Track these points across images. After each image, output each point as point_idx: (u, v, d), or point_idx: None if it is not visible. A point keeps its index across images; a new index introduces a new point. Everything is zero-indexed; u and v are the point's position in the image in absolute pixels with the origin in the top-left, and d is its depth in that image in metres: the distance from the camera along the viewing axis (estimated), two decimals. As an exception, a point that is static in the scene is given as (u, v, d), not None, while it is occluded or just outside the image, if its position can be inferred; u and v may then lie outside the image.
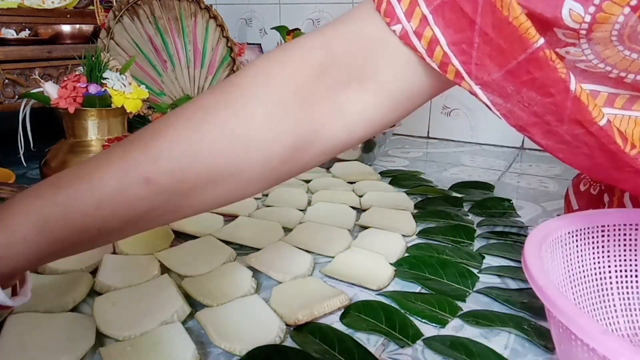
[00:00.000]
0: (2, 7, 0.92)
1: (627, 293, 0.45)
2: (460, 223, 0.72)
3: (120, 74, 0.71)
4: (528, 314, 0.50)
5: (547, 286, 0.33)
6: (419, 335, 0.46)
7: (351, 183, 0.90)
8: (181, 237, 0.67)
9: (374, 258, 0.60)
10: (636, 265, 0.45)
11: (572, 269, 0.44)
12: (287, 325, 0.46)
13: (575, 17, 0.29)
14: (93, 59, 0.69)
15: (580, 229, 0.44)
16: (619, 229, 0.45)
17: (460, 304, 0.51)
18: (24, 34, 0.93)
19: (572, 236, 0.44)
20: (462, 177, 0.99)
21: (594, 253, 0.45)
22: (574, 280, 0.44)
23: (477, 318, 0.48)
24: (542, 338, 0.45)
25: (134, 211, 0.32)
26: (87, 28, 0.99)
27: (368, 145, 1.01)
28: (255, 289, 0.53)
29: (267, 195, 0.84)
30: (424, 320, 0.48)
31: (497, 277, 0.58)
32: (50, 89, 0.68)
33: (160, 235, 0.66)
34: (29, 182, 0.90)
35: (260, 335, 0.44)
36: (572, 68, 0.33)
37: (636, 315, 0.44)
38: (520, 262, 0.60)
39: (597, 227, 0.45)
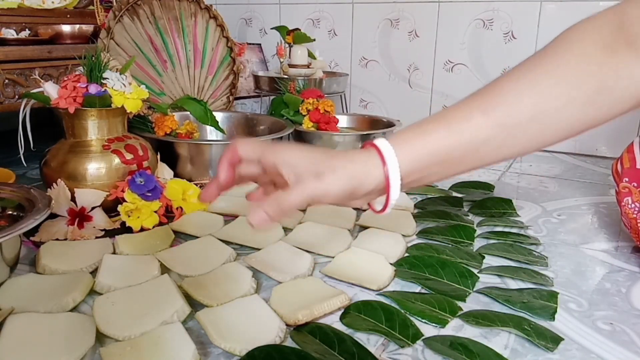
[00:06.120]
0: (2, 7, 0.92)
1: None
2: (460, 223, 0.72)
3: (120, 74, 0.71)
4: (528, 314, 0.50)
5: None
6: (419, 335, 0.46)
7: (351, 183, 0.90)
8: (181, 237, 0.67)
9: (374, 258, 0.60)
10: None
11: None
12: (287, 325, 0.46)
13: None
14: (93, 59, 0.69)
15: None
16: None
17: (460, 304, 0.51)
18: (24, 34, 0.93)
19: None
20: (462, 177, 0.99)
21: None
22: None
23: (477, 318, 0.48)
24: (542, 338, 0.45)
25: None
26: (87, 28, 0.99)
27: (368, 145, 1.01)
28: (255, 289, 0.53)
29: (267, 195, 0.84)
30: (424, 320, 0.48)
31: (497, 277, 0.58)
32: (50, 89, 0.68)
33: (160, 235, 0.66)
34: (29, 182, 0.90)
35: (260, 335, 0.44)
36: None
37: None
38: (520, 262, 0.60)
39: None
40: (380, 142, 0.42)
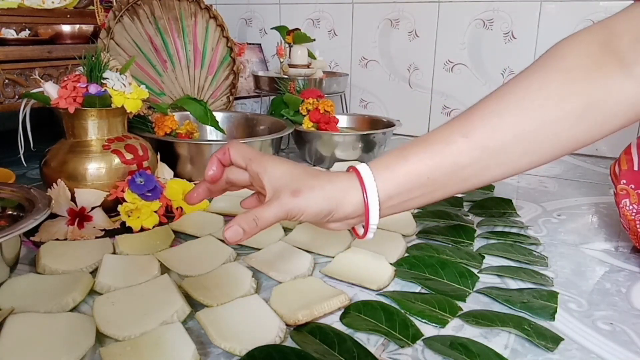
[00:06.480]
0: (2, 7, 0.92)
1: None
2: (460, 223, 0.72)
3: (120, 74, 0.71)
4: (528, 314, 0.50)
5: None
6: (419, 335, 0.46)
7: (351, 183, 0.90)
8: (181, 237, 0.67)
9: (374, 258, 0.60)
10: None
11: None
12: (287, 325, 0.46)
13: None
14: (93, 59, 0.69)
15: None
16: None
17: (460, 304, 0.51)
18: (24, 34, 0.93)
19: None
20: (462, 177, 0.99)
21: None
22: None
23: (477, 318, 0.48)
24: (542, 338, 0.45)
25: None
26: (87, 28, 0.99)
27: (368, 145, 1.01)
28: (255, 289, 0.53)
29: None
30: (424, 320, 0.48)
31: (497, 277, 0.58)
32: (50, 89, 0.68)
33: (160, 235, 0.66)
34: (29, 182, 0.90)
35: (260, 335, 0.44)
36: None
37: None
38: (520, 262, 0.60)
39: None
40: (361, 167, 0.42)
